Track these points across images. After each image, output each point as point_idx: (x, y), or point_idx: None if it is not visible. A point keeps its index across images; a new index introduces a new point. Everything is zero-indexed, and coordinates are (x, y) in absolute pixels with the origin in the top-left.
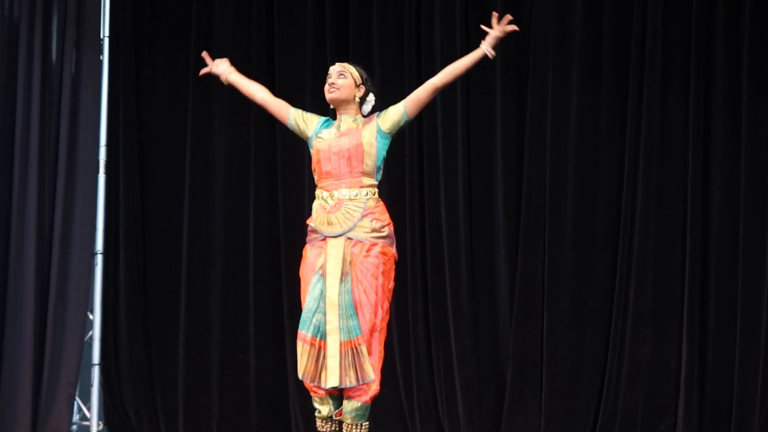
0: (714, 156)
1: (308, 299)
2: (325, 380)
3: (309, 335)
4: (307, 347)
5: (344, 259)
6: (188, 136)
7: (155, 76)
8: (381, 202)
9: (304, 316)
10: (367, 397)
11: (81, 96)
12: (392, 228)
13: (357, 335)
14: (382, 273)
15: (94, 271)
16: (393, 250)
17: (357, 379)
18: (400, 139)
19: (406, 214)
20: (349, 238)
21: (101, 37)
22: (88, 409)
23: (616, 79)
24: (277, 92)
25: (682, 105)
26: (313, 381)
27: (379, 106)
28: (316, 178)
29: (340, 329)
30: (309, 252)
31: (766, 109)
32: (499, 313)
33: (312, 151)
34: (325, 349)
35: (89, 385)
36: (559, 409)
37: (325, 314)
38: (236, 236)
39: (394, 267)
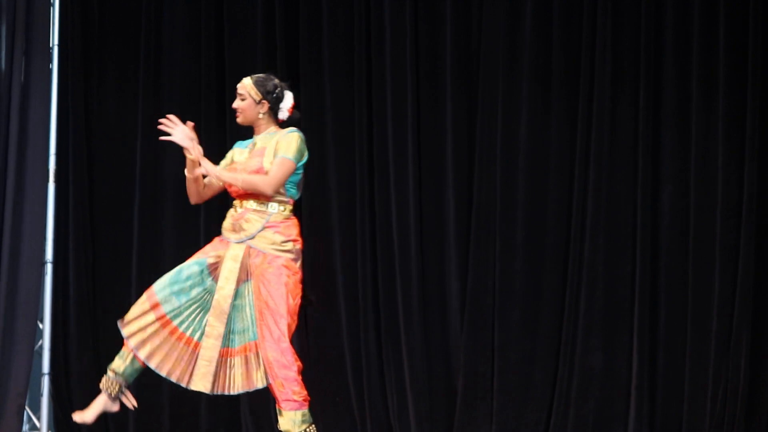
0: (663, 166)
1: (178, 275)
2: (190, 382)
3: (179, 329)
4: (151, 316)
5: (242, 266)
6: (138, 144)
7: (105, 85)
8: (291, 219)
9: (165, 285)
10: (297, 405)
11: (30, 104)
12: (300, 246)
13: (252, 340)
14: (285, 284)
15: (43, 280)
16: (297, 267)
17: (259, 384)
18: (350, 152)
19: (356, 227)
20: (252, 248)
21: (50, 45)
22: (38, 419)
23: (565, 90)
24: (226, 108)
25: (631, 116)
26: (153, 365)
27: (330, 121)
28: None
29: (223, 336)
30: (214, 243)
31: (714, 119)
32: (450, 324)
33: None
34: (198, 349)
35: (39, 395)
36: (510, 419)
37: (200, 314)
38: (186, 246)
39: (299, 283)
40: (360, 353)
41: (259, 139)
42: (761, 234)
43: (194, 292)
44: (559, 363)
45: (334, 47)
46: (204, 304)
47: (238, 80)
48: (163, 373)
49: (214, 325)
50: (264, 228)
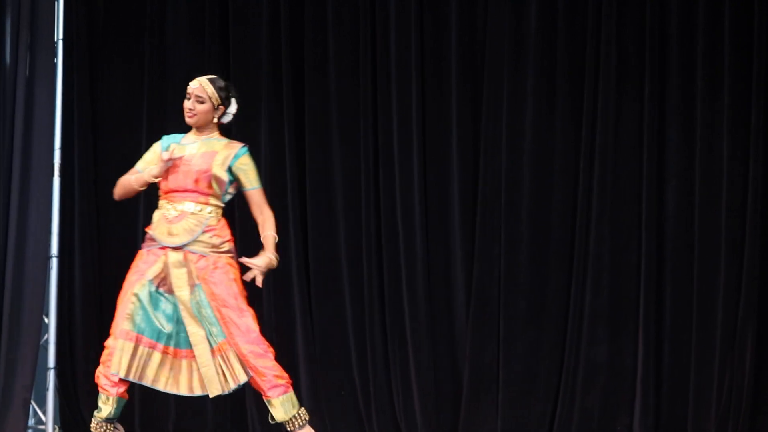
0: (669, 159)
1: (137, 308)
2: (202, 389)
3: (149, 338)
4: (139, 348)
5: (190, 272)
6: (143, 138)
7: (110, 79)
8: (223, 220)
9: (133, 318)
10: (283, 389)
11: (35, 99)
12: (233, 244)
13: (221, 340)
14: (234, 281)
15: (49, 274)
16: (235, 263)
17: (234, 382)
18: (355, 145)
19: (362, 220)
20: (191, 252)
21: (55, 40)
22: (44, 413)
23: (570, 83)
24: None
25: (636, 109)
26: (138, 379)
27: (335, 117)
28: (160, 189)
29: (207, 339)
30: (143, 257)
31: (719, 112)
32: (456, 316)
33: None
34: (180, 356)
35: (45, 388)
36: (516, 410)
37: (172, 324)
38: None
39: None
40: (365, 347)
41: (202, 141)
42: (766, 227)
43: (164, 310)
44: (565, 355)
45: (339, 44)
46: (176, 316)
47: (243, 77)
48: (178, 392)
49: (194, 331)
50: (203, 232)
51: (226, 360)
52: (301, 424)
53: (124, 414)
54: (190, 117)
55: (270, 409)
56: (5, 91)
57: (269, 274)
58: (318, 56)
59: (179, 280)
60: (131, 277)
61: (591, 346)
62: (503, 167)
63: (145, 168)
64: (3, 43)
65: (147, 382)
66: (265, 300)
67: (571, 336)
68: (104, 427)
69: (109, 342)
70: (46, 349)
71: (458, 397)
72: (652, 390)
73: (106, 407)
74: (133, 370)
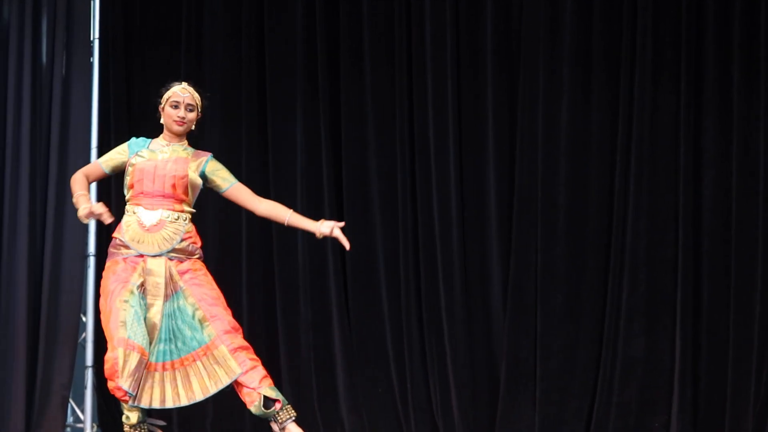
0: (705, 151)
1: (130, 314)
2: (174, 401)
3: (140, 346)
4: (142, 359)
5: (168, 280)
6: None
7: (145, 78)
8: (194, 226)
9: (128, 325)
10: (268, 382)
11: (71, 98)
12: (201, 249)
13: (198, 348)
14: (213, 280)
15: (86, 273)
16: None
17: (216, 386)
18: (391, 138)
19: (398, 214)
20: (170, 259)
21: (91, 39)
22: (82, 411)
23: (606, 75)
24: (267, 94)
25: (673, 100)
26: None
27: (371, 109)
28: (130, 194)
29: (154, 353)
30: (121, 265)
31: (756, 103)
32: (493, 311)
33: (129, 168)
34: (162, 369)
35: (83, 387)
36: (553, 406)
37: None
38: (228, 237)
39: None
40: (402, 343)
41: (175, 146)
42: None
43: (146, 320)
44: (602, 349)
45: (374, 35)
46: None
47: (279, 75)
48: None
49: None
50: (181, 240)
51: (207, 365)
52: (290, 415)
53: (161, 412)
54: (180, 125)
55: (267, 395)
56: (42, 90)
57: (306, 271)
58: (353, 49)
59: (155, 289)
60: (113, 286)
61: (628, 341)
62: (539, 158)
63: (107, 164)
64: (39, 42)
65: (143, 403)
66: (302, 297)
67: (608, 331)
68: (138, 430)
69: (108, 355)
70: (83, 348)
71: (495, 393)
72: (689, 385)
73: (132, 414)
74: (134, 382)
